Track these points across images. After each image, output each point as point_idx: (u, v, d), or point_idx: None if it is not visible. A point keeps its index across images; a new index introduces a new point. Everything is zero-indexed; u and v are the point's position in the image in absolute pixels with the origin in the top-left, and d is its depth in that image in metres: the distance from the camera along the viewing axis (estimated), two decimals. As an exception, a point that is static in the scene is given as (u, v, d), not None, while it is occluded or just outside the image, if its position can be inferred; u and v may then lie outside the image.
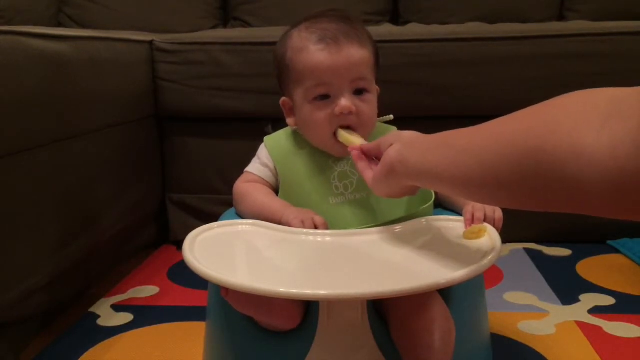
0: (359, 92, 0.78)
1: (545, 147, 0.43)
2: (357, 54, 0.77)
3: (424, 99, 1.35)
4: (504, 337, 0.98)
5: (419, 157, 0.58)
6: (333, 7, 0.83)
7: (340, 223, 0.76)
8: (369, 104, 0.79)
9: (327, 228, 0.72)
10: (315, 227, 0.72)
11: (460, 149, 0.52)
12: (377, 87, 0.82)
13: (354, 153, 0.72)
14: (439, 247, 0.66)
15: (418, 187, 0.65)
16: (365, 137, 0.79)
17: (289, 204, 0.77)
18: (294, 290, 0.56)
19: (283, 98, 0.83)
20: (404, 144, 0.62)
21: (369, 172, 0.69)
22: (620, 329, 1.00)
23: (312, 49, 0.77)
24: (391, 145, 0.63)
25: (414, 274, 0.60)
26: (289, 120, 0.83)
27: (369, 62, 0.79)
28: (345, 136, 0.77)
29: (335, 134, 0.78)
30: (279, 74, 0.83)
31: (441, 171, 0.54)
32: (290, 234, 0.71)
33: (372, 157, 0.72)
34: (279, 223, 0.74)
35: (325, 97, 0.77)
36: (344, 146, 0.78)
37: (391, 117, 0.86)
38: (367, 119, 0.79)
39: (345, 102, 0.76)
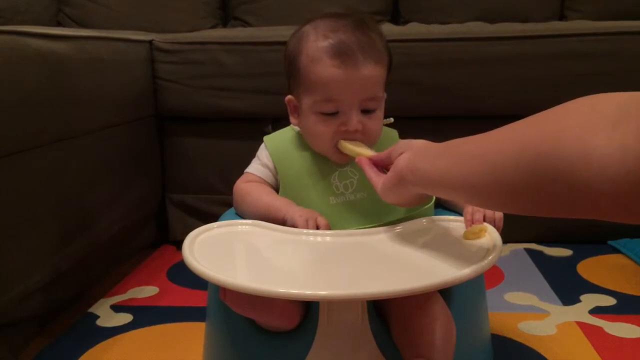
0: (367, 110, 0.77)
1: (555, 152, 0.43)
2: (371, 72, 0.76)
3: (424, 99, 1.35)
4: (505, 337, 0.98)
5: (429, 165, 0.58)
6: (336, 8, 0.82)
7: (340, 223, 0.76)
8: (376, 120, 0.78)
9: (329, 230, 0.72)
10: (318, 229, 0.71)
11: (470, 155, 0.52)
12: (384, 94, 0.81)
13: (362, 161, 0.72)
14: (439, 247, 0.66)
15: (428, 196, 0.65)
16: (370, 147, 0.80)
17: (292, 203, 0.77)
18: (294, 291, 0.56)
19: (289, 96, 0.82)
20: (414, 153, 0.62)
21: (377, 179, 0.69)
22: (621, 329, 1.00)
23: (328, 63, 0.75)
24: (402, 153, 0.63)
25: (414, 274, 0.60)
26: (292, 119, 0.83)
27: (382, 79, 0.78)
28: (348, 147, 0.76)
29: (336, 145, 0.78)
30: (289, 72, 0.82)
31: (451, 178, 0.54)
32: (290, 234, 0.71)
33: (382, 167, 0.72)
34: (282, 221, 0.74)
35: (333, 113, 0.77)
36: (344, 155, 0.78)
37: (391, 120, 0.85)
38: (372, 134, 0.78)
39: (353, 121, 0.76)
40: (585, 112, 0.43)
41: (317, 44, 0.76)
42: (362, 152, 0.75)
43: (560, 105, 0.47)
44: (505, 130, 0.50)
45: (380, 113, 0.79)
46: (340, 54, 0.75)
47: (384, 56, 0.78)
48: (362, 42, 0.75)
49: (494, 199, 0.51)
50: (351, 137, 0.77)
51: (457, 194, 0.56)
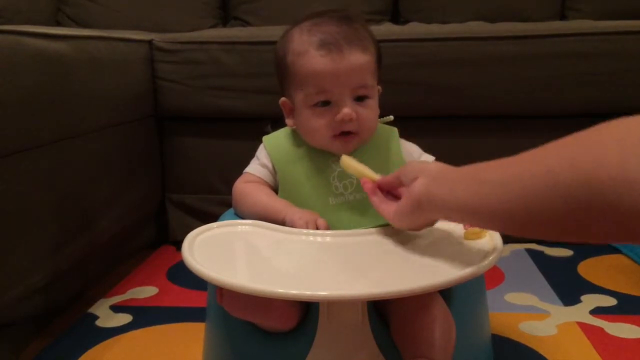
0: (359, 98, 0.78)
1: (596, 180, 0.42)
2: (359, 60, 0.76)
3: (424, 98, 1.35)
4: (505, 337, 0.98)
5: (447, 192, 0.57)
6: (334, 7, 0.83)
7: (339, 223, 0.76)
8: (370, 109, 0.79)
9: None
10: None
11: (494, 183, 0.51)
12: (378, 87, 0.81)
13: (367, 186, 0.71)
14: (439, 247, 0.66)
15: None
16: (367, 140, 0.80)
17: (291, 204, 0.77)
18: (293, 291, 0.56)
19: (283, 98, 0.83)
20: (430, 178, 0.60)
21: (385, 206, 0.67)
22: (621, 329, 1.00)
23: (314, 54, 0.76)
24: (416, 178, 0.61)
25: (414, 275, 0.60)
26: (288, 121, 0.83)
27: (371, 67, 0.79)
28: (352, 166, 0.74)
29: (334, 137, 0.78)
30: (279, 74, 0.83)
31: (473, 206, 0.53)
32: (290, 234, 0.71)
33: (387, 190, 0.70)
34: (282, 222, 0.74)
35: (325, 104, 0.77)
36: (345, 145, 0.78)
37: (391, 117, 0.85)
38: (367, 123, 0.78)
39: (346, 110, 0.76)
40: (621, 136, 0.42)
41: (302, 39, 0.77)
42: (367, 173, 0.73)
43: (592, 128, 0.45)
44: (534, 156, 0.49)
45: (374, 103, 0.79)
46: (326, 43, 0.75)
47: (370, 45, 0.79)
48: (346, 32, 0.76)
49: (522, 227, 0.50)
50: (347, 127, 0.77)
51: (478, 220, 0.54)
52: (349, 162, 0.75)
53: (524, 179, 0.48)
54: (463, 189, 0.55)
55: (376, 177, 0.71)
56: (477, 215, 0.54)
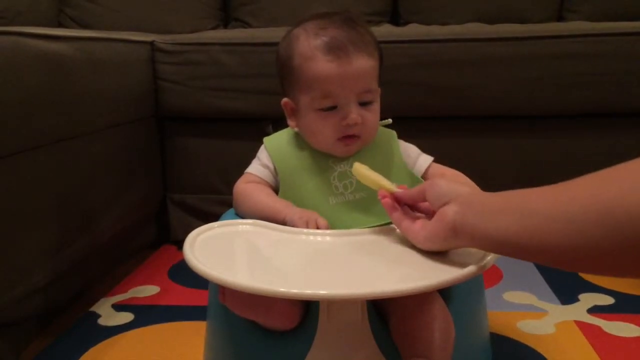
0: (364, 103, 0.78)
1: None
2: (365, 65, 0.77)
3: (424, 99, 1.36)
4: (504, 336, 0.98)
5: (488, 222, 0.53)
6: (334, 8, 0.83)
7: (340, 223, 0.77)
8: (373, 113, 0.80)
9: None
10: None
11: (541, 214, 0.48)
12: (378, 89, 0.82)
13: (386, 201, 0.68)
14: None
15: None
16: (368, 142, 0.80)
17: (291, 204, 0.78)
18: (294, 290, 0.57)
19: (285, 99, 0.83)
20: (464, 205, 0.57)
21: (407, 224, 0.66)
22: (619, 328, 1.00)
23: (322, 59, 0.76)
24: (447, 203, 0.59)
25: (414, 274, 0.60)
26: (290, 122, 0.84)
27: (375, 72, 0.79)
28: (367, 176, 0.73)
29: (337, 140, 0.78)
30: (282, 75, 0.83)
31: (519, 239, 0.50)
32: (291, 233, 0.71)
33: (405, 204, 0.68)
34: (282, 222, 0.74)
35: (331, 108, 0.78)
36: (349, 148, 0.79)
37: (389, 120, 0.86)
38: (371, 127, 0.80)
39: (353, 115, 0.76)
40: None
41: (309, 42, 0.78)
42: (383, 184, 0.70)
43: (637, 159, 0.44)
44: (581, 187, 0.46)
45: (377, 107, 0.80)
46: (333, 48, 0.76)
47: (374, 49, 0.79)
48: (352, 37, 0.77)
49: (573, 264, 0.48)
50: (352, 131, 0.78)
51: (524, 255, 0.52)
52: (363, 171, 0.73)
53: (575, 212, 0.45)
54: (507, 221, 0.51)
55: (394, 188, 0.69)
56: (523, 251, 0.51)
